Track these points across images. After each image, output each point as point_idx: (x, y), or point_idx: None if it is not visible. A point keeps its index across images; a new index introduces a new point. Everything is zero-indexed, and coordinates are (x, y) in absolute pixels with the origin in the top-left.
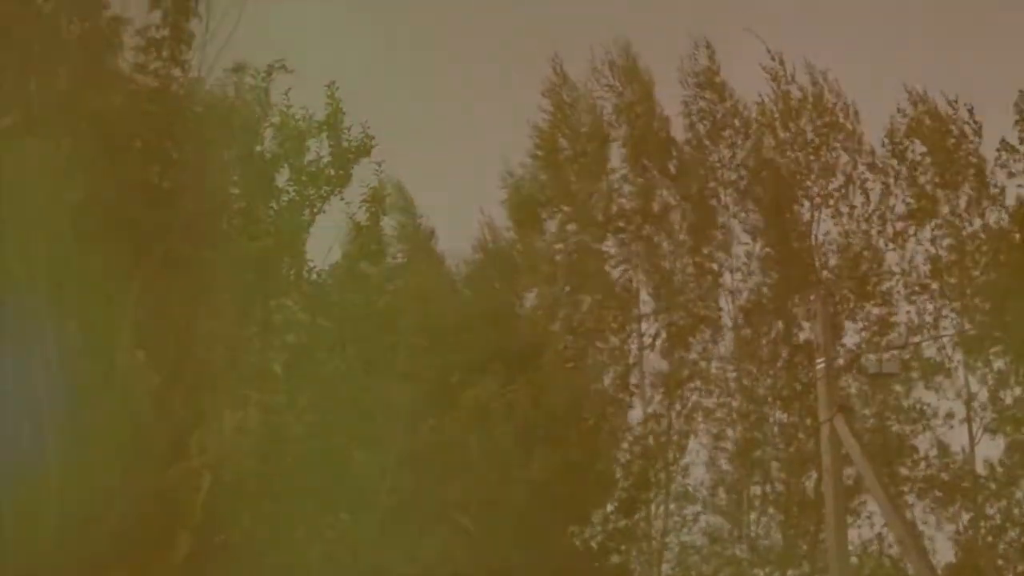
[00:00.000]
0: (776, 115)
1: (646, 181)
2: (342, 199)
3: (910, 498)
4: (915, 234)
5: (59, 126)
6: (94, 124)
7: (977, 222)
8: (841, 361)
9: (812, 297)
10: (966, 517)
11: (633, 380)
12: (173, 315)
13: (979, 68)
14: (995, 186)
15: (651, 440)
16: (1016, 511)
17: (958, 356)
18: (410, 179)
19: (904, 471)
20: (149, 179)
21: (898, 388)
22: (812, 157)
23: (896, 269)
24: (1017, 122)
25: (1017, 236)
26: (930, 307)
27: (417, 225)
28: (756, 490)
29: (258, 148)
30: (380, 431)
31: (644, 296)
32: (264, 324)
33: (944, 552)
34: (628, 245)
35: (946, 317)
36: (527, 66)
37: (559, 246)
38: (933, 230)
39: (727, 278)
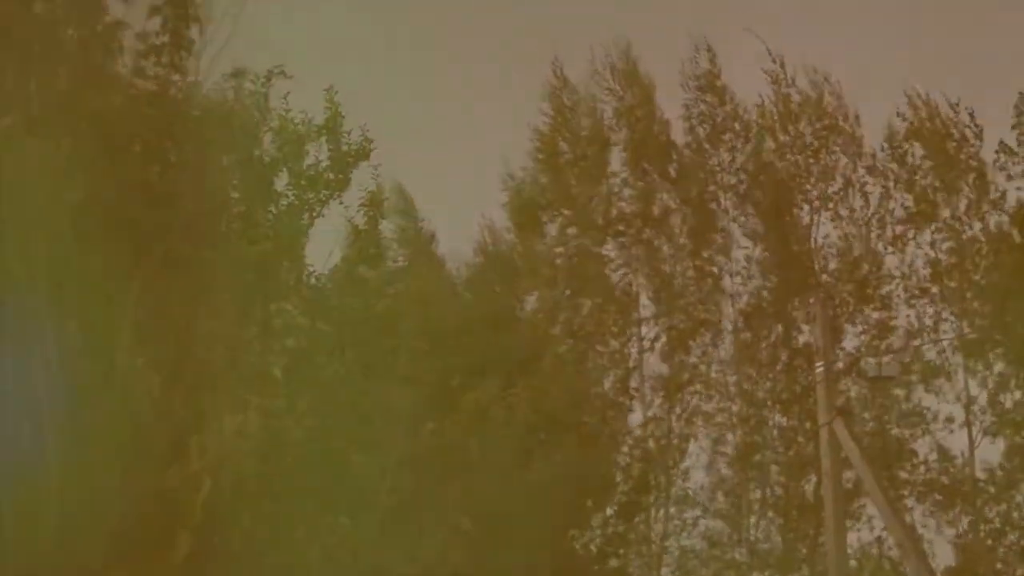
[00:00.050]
0: (776, 118)
1: (646, 185)
2: (341, 203)
3: (909, 502)
4: (914, 237)
5: (59, 127)
6: (94, 125)
7: (977, 225)
8: (840, 365)
9: (811, 300)
10: (965, 521)
11: (633, 384)
12: (173, 316)
13: (978, 69)
14: (996, 190)
15: (651, 443)
16: (1015, 515)
17: (958, 359)
18: (410, 182)
19: (904, 475)
20: (149, 180)
21: (898, 392)
22: (811, 160)
23: (896, 273)
24: (1015, 125)
25: (1017, 239)
26: (930, 310)
27: (418, 229)
28: (755, 494)
29: (257, 152)
30: (379, 434)
31: (644, 300)
32: (264, 327)
33: (944, 556)
34: (628, 249)
35: (946, 320)
36: (528, 68)
37: (559, 249)
38: (933, 233)
39: (727, 282)
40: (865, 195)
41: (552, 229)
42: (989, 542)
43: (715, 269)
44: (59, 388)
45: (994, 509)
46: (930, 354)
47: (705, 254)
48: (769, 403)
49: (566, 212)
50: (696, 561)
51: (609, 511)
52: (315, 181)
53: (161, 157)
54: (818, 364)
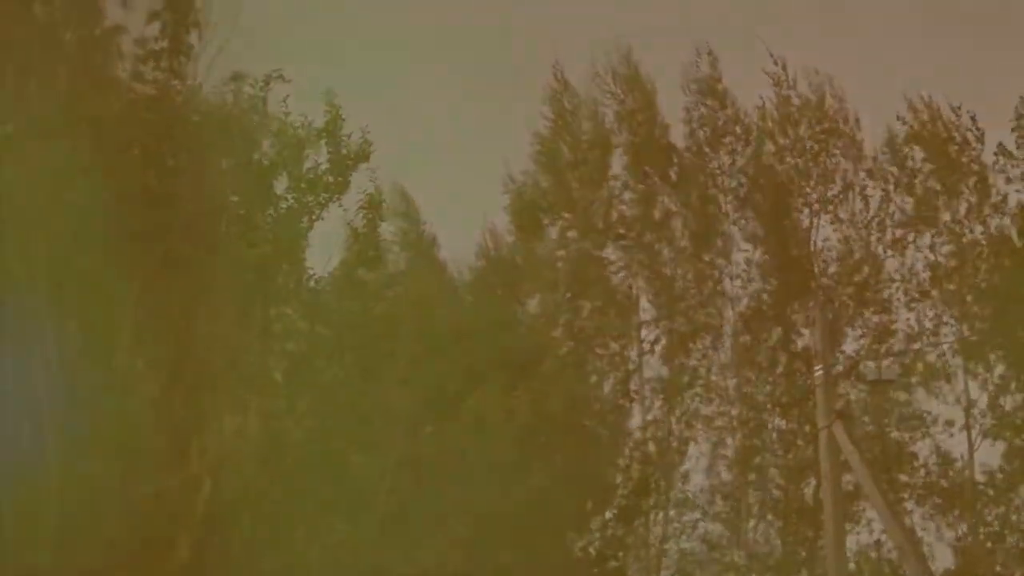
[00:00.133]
0: (776, 120)
1: (647, 188)
2: (340, 206)
3: (909, 505)
4: (914, 241)
5: (59, 130)
6: (94, 129)
7: (978, 228)
8: (840, 368)
9: (811, 304)
10: (964, 524)
11: (633, 386)
12: (173, 318)
13: (978, 71)
14: (997, 193)
15: (651, 446)
16: (1014, 517)
17: (958, 361)
18: (412, 186)
19: (904, 478)
20: (148, 183)
21: (898, 395)
22: (811, 164)
23: (896, 276)
24: (1014, 129)
25: (1017, 242)
26: (930, 313)
27: (420, 232)
28: (755, 497)
29: (256, 155)
30: (378, 436)
31: (644, 303)
32: (264, 330)
33: (943, 558)
34: (629, 252)
35: (947, 324)
36: (528, 72)
37: (560, 252)
38: (933, 236)
39: (727, 285)
40: (865, 198)
41: (553, 232)
42: (988, 545)
43: (715, 272)
44: (59, 389)
45: (993, 512)
46: (930, 356)
47: (706, 257)
48: (769, 406)
49: (567, 215)
50: (695, 564)
51: (608, 514)
52: (315, 184)
53: (160, 160)
54: (817, 367)
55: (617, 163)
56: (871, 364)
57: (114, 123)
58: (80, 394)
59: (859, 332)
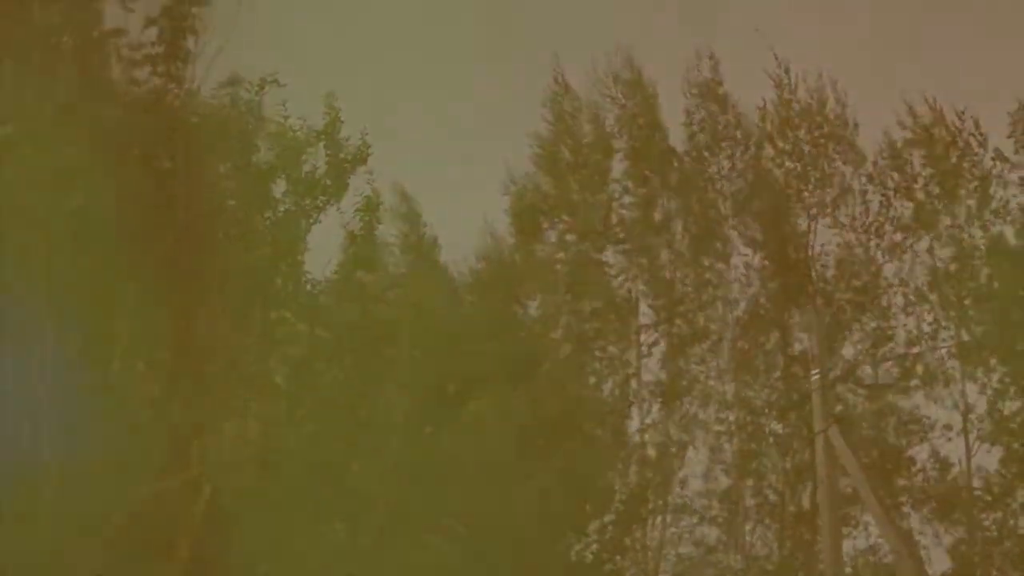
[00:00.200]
0: (776, 123)
1: (648, 191)
2: (338, 210)
3: (906, 509)
4: (912, 246)
5: (57, 134)
6: (92, 132)
7: (978, 233)
8: (838, 372)
9: (809, 308)
10: (962, 529)
11: (632, 389)
12: (171, 321)
13: (978, 73)
14: (999, 199)
15: (650, 450)
16: (1011, 522)
17: (956, 364)
18: (412, 188)
19: (902, 482)
20: (146, 186)
21: (895, 400)
22: (810, 168)
23: (894, 280)
24: (1011, 134)
25: (1017, 246)
26: (928, 318)
27: (421, 234)
28: (752, 501)
29: (254, 159)
30: (378, 440)
31: (643, 307)
32: (263, 333)
33: (940, 563)
34: (629, 255)
35: (945, 328)
36: (529, 74)
37: (560, 255)
38: (932, 240)
39: (726, 289)
40: (864, 202)
41: (553, 235)
42: (985, 549)
43: (715, 276)
44: (58, 393)
45: (990, 517)
46: (928, 361)
47: (706, 262)
48: (766, 411)
49: (567, 218)
50: (692, 568)
51: (607, 518)
52: (313, 187)
53: (159, 163)
54: (814, 372)
55: (617, 167)
56: (869, 368)
57: (113, 126)
58: (79, 396)
59: (857, 336)
